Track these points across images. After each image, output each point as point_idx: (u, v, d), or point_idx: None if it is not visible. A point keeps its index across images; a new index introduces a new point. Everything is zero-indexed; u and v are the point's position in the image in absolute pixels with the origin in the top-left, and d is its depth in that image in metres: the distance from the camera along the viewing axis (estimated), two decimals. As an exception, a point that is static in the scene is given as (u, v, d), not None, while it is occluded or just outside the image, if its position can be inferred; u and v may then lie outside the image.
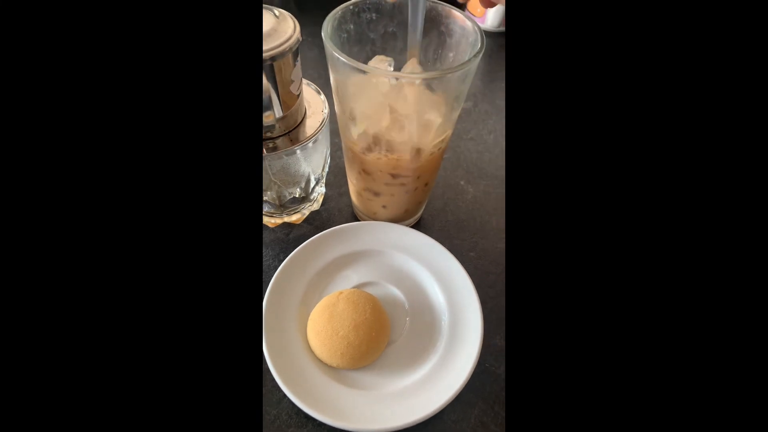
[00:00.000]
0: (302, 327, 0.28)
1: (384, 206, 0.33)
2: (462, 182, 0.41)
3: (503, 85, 0.52)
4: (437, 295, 0.30)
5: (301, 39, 0.26)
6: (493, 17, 0.58)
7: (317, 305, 0.28)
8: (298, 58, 0.27)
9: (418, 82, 0.23)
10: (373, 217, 0.35)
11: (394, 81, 0.24)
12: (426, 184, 0.33)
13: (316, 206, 0.37)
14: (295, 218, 0.36)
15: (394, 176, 0.29)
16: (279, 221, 0.35)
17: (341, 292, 0.29)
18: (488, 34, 0.60)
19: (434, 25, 0.27)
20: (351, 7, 0.26)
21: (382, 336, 0.27)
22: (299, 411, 0.26)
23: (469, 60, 0.22)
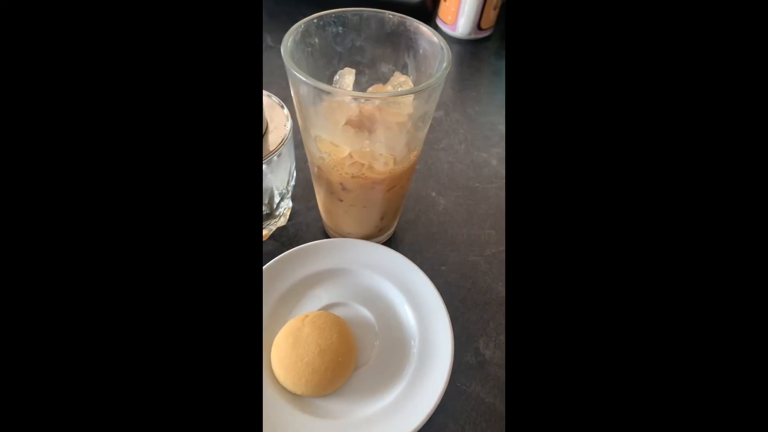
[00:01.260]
0: (266, 351, 0.27)
1: (354, 223, 0.32)
2: (433, 193, 0.40)
3: (474, 93, 0.52)
4: (407, 316, 0.30)
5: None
6: (464, 25, 0.58)
7: (281, 330, 0.27)
8: (258, 72, 0.26)
9: (377, 102, 0.22)
10: (344, 234, 0.34)
11: (354, 101, 0.23)
12: (397, 208, 0.32)
13: (283, 221, 0.36)
14: (260, 235, 0.34)
15: (362, 195, 0.28)
16: (243, 238, 0.34)
17: (307, 316, 0.27)
18: (459, 42, 0.60)
19: (401, 41, 0.26)
20: (315, 20, 0.25)
21: (348, 361, 0.26)
22: (262, 443, 0.25)
23: (433, 79, 0.22)
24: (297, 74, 0.21)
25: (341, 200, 0.29)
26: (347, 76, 0.27)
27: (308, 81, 0.21)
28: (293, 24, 0.24)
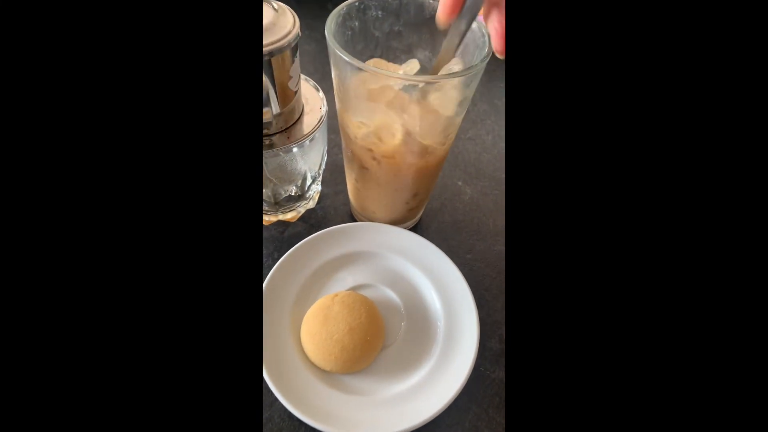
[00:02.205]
0: (296, 329, 0.28)
1: (382, 207, 0.33)
2: (459, 183, 0.41)
3: (502, 85, 0.51)
4: (433, 299, 0.30)
5: (300, 34, 0.25)
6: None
7: (312, 307, 0.28)
8: (297, 54, 0.26)
9: (421, 85, 0.23)
10: (372, 218, 0.35)
11: (399, 84, 0.23)
12: (426, 193, 0.32)
13: (311, 204, 0.36)
14: (290, 216, 0.35)
15: (395, 179, 0.29)
16: (273, 219, 0.35)
17: (336, 295, 0.28)
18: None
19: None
20: (357, 3, 0.25)
21: (376, 340, 0.27)
22: (292, 414, 0.26)
23: (476, 65, 0.22)
24: (341, 55, 0.22)
25: (373, 182, 0.30)
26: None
27: (351, 61, 0.21)
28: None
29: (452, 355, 0.27)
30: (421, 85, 0.23)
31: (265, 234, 0.35)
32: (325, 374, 0.27)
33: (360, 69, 0.21)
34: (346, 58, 0.22)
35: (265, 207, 0.33)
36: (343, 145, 0.30)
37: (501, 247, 0.36)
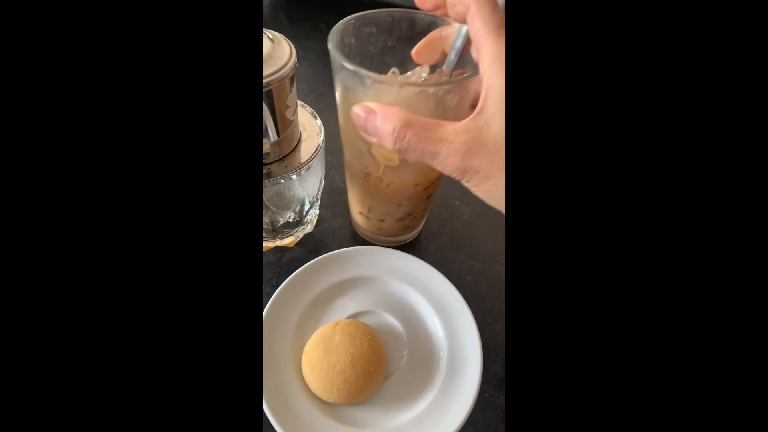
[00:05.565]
0: (296, 359, 0.28)
1: (388, 220, 0.33)
2: (457, 202, 0.40)
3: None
4: (435, 325, 0.30)
5: (297, 64, 0.25)
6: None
7: (312, 337, 0.28)
8: (294, 83, 0.26)
9: (432, 90, 0.22)
10: (376, 233, 0.35)
11: (415, 90, 0.23)
12: (430, 196, 0.33)
13: (309, 228, 0.36)
14: (288, 241, 0.35)
15: (403, 196, 0.29)
16: (271, 245, 0.34)
17: (337, 323, 0.28)
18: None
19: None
20: (352, 21, 0.25)
21: (379, 370, 0.26)
22: (294, 450, 0.25)
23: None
24: (349, 66, 0.21)
25: (379, 203, 0.30)
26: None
27: (365, 73, 0.21)
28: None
29: (456, 383, 0.27)
30: (432, 90, 0.23)
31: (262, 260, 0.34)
32: (327, 406, 0.26)
33: (375, 81, 0.21)
34: (351, 67, 0.21)
35: (262, 234, 0.33)
36: (350, 169, 0.30)
37: (501, 268, 0.36)
